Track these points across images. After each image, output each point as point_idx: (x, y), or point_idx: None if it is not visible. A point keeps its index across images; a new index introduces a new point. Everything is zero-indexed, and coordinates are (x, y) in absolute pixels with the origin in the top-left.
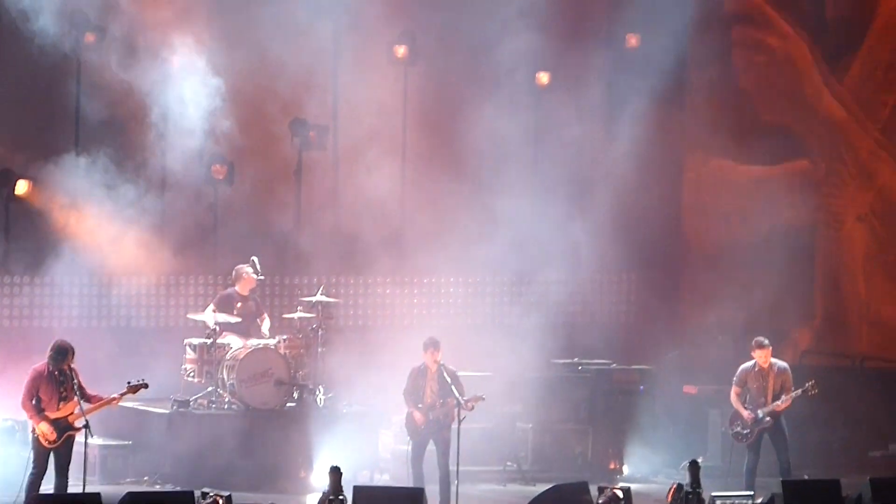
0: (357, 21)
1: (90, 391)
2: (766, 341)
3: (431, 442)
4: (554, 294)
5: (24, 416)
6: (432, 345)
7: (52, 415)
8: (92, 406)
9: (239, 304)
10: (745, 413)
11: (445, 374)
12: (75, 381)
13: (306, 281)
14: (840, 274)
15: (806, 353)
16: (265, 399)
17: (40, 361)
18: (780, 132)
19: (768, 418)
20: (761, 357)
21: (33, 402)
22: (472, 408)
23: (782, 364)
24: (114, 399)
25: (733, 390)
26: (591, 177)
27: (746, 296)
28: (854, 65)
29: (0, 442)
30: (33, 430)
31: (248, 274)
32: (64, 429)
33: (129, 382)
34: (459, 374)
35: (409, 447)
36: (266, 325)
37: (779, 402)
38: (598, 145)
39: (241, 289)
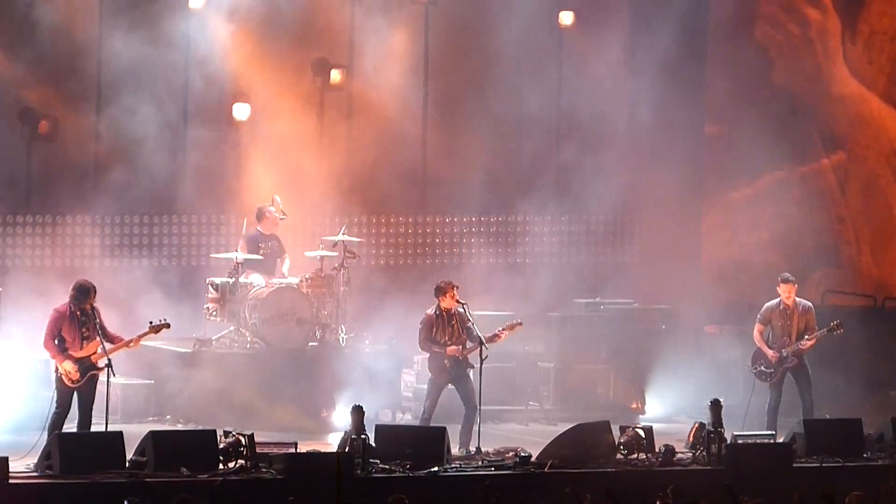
0: None
1: (111, 331)
2: (791, 277)
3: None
4: (575, 234)
5: (46, 355)
6: (451, 287)
7: (76, 354)
8: (113, 346)
9: (262, 245)
10: (770, 352)
11: (468, 314)
12: (97, 320)
13: (328, 220)
14: (861, 214)
15: (827, 292)
16: (287, 338)
17: (62, 301)
18: (798, 94)
19: (793, 357)
20: (786, 292)
21: (55, 341)
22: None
23: (807, 303)
24: (135, 339)
25: (756, 328)
26: (612, 118)
27: (768, 236)
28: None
29: (24, 381)
30: (56, 370)
31: (272, 213)
32: (87, 368)
33: (150, 322)
34: (482, 313)
35: (429, 384)
36: (286, 265)
37: (804, 342)
38: (620, 86)
39: (264, 228)
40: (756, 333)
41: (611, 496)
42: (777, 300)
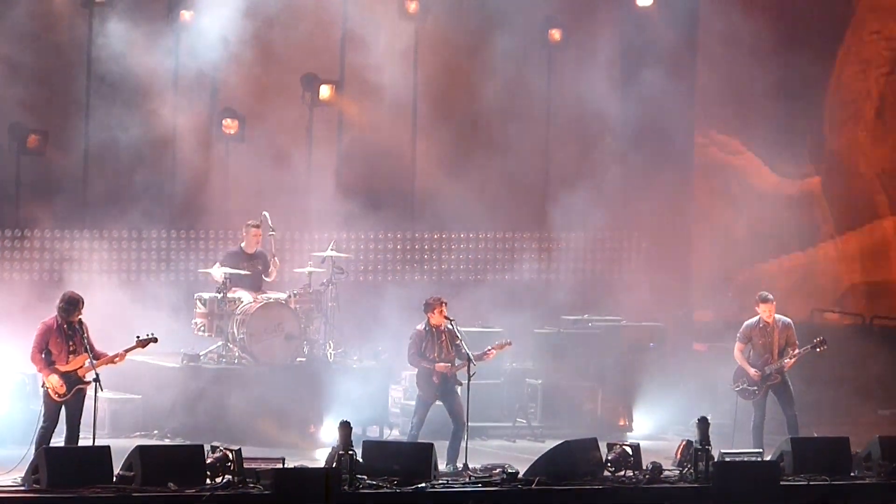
0: None
1: (97, 348)
2: (770, 296)
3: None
4: (565, 250)
5: (34, 369)
6: (439, 303)
7: (62, 368)
8: (100, 360)
9: (244, 264)
10: (752, 371)
11: (456, 331)
12: (84, 334)
13: (317, 236)
14: (851, 231)
15: (815, 310)
16: (275, 354)
17: (50, 315)
18: (791, 93)
19: (775, 374)
20: (765, 311)
21: (42, 355)
22: (494, 355)
23: (786, 320)
24: (121, 354)
25: (737, 346)
26: (602, 134)
27: (758, 252)
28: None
29: (11, 396)
30: (43, 384)
31: (253, 231)
32: (73, 382)
33: (137, 337)
34: (470, 330)
35: (417, 400)
36: (273, 274)
37: (787, 360)
38: (610, 102)
39: (247, 247)
40: (737, 352)
41: None
42: (756, 318)
